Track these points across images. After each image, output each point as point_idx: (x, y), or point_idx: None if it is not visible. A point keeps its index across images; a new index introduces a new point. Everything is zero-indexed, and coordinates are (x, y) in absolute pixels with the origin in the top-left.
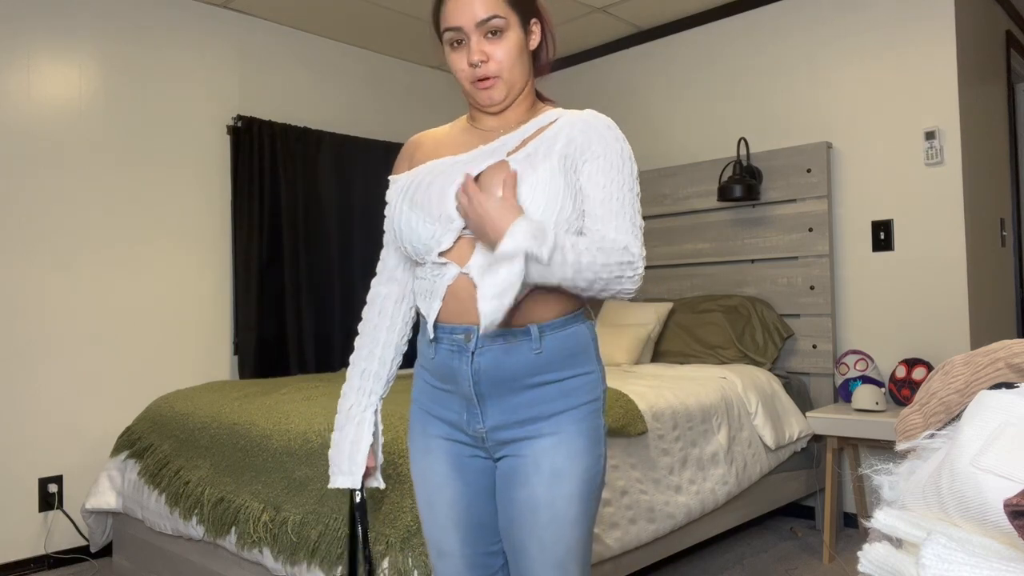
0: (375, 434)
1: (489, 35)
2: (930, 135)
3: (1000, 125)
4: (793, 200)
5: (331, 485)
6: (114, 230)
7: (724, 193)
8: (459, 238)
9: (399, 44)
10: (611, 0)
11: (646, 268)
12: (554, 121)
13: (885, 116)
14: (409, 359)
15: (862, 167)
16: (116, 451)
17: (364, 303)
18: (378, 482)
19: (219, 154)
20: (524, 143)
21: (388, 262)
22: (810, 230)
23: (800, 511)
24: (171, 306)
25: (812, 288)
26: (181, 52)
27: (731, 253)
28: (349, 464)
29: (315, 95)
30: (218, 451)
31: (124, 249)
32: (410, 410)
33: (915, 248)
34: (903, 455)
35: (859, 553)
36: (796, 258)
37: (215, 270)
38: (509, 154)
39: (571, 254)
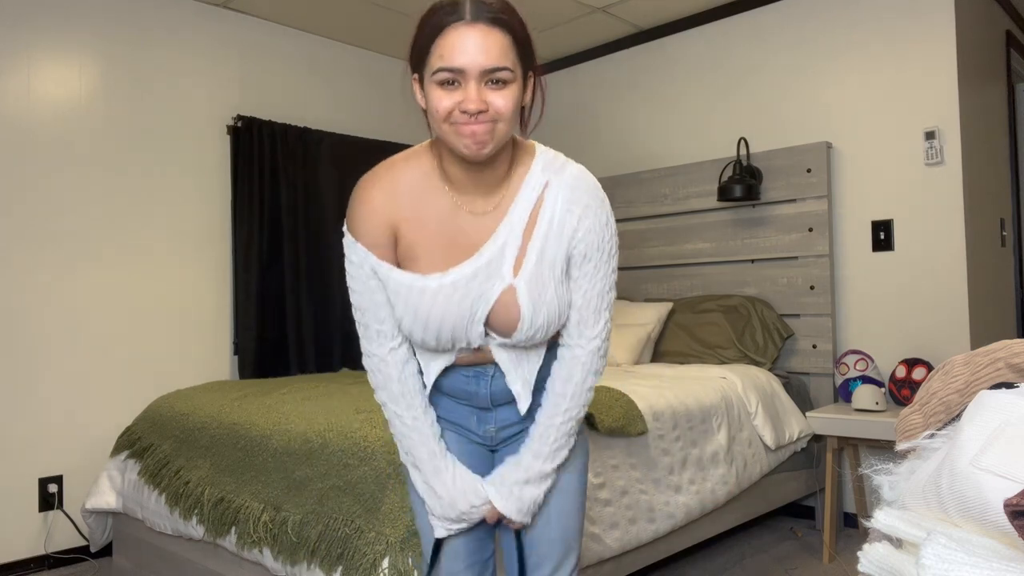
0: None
1: (491, 84)
2: (930, 135)
3: (1000, 125)
4: (793, 200)
5: (481, 513)
6: (114, 230)
7: (724, 193)
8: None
9: (399, 44)
10: (611, 0)
11: (646, 268)
12: (544, 191)
13: (885, 116)
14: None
15: (862, 167)
16: (116, 451)
17: None
18: None
19: (219, 154)
20: (526, 238)
21: (384, 325)
22: (810, 230)
23: (800, 511)
24: (171, 306)
25: (812, 288)
26: (181, 52)
27: (731, 253)
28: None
29: (315, 95)
30: (218, 451)
31: (124, 249)
32: None
33: (915, 248)
34: (903, 455)
35: (859, 553)
36: (796, 258)
37: (215, 270)
38: (515, 271)
39: (575, 426)
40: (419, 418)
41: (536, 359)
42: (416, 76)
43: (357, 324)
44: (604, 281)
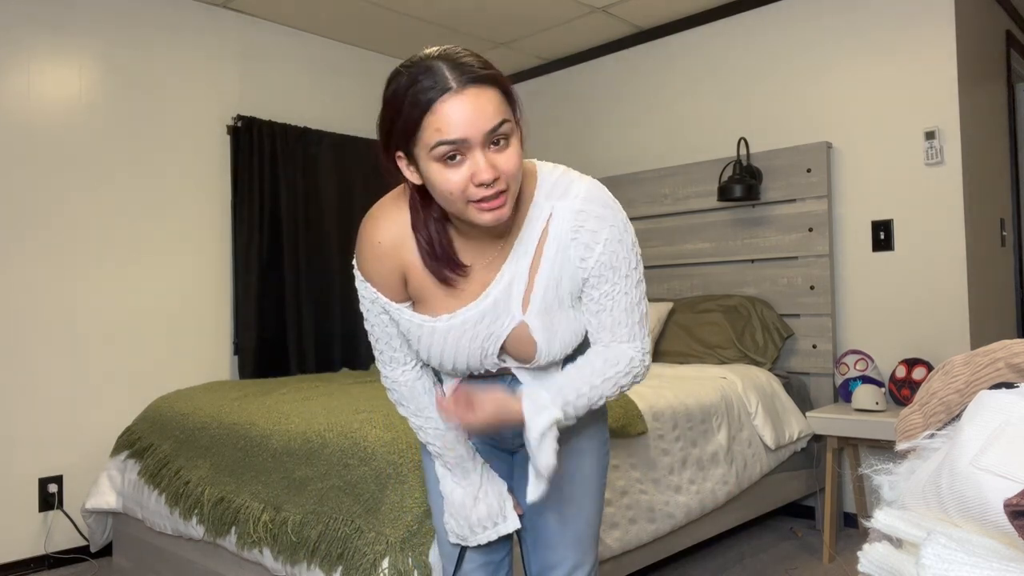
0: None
1: (494, 144)
2: (930, 135)
3: (1000, 125)
4: (793, 200)
5: (494, 536)
6: (114, 230)
7: (724, 193)
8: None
9: (399, 44)
10: (611, 0)
11: (646, 268)
12: (548, 221)
13: (885, 116)
14: None
15: (862, 167)
16: (116, 451)
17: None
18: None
19: (219, 154)
20: (533, 272)
21: (398, 353)
22: (810, 230)
23: (800, 511)
24: (171, 306)
25: (812, 288)
26: (181, 52)
27: (731, 253)
28: (507, 511)
29: (315, 95)
30: (218, 451)
31: (124, 249)
32: None
33: (915, 248)
34: (903, 455)
35: (859, 553)
36: (796, 258)
37: (215, 270)
38: (524, 306)
39: (580, 399)
40: (440, 427)
41: (556, 373)
42: (400, 154)
43: (372, 347)
44: (627, 297)
